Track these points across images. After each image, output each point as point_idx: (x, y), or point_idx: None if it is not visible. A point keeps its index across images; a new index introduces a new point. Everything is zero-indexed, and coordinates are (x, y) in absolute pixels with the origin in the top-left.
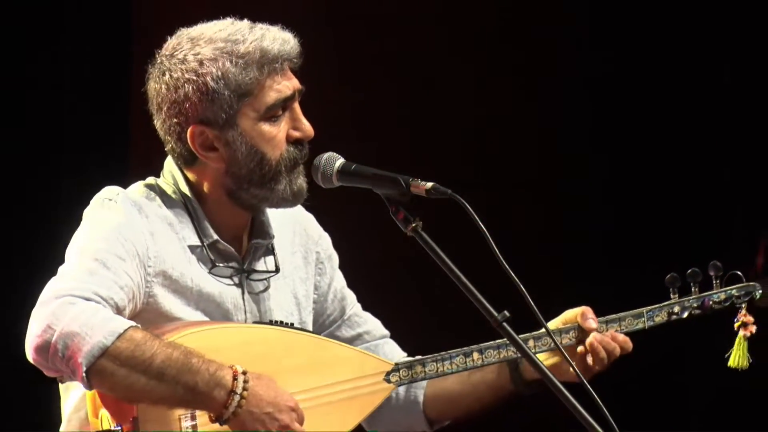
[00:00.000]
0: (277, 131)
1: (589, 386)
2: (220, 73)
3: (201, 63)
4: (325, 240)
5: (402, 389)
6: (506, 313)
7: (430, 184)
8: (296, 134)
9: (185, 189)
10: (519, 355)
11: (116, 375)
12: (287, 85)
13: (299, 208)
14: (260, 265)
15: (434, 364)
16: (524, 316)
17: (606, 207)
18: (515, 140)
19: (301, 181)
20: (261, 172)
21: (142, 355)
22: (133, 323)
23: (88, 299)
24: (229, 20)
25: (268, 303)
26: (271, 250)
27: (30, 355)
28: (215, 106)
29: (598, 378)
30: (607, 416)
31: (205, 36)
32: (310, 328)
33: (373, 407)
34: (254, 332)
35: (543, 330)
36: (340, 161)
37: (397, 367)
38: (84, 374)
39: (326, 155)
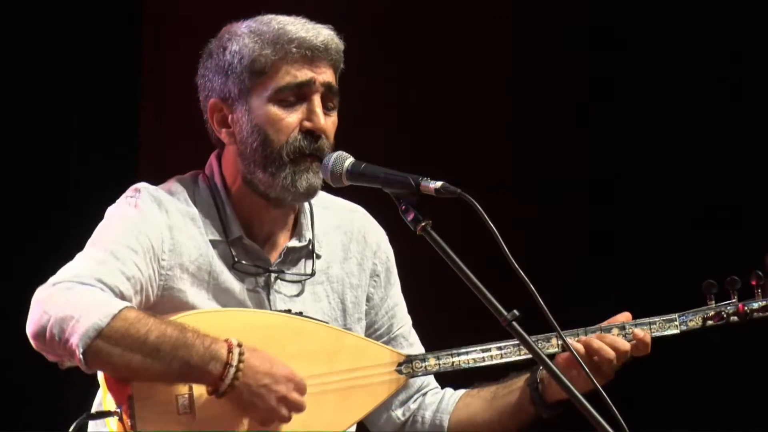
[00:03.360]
0: (286, 116)
1: (600, 388)
2: (237, 48)
3: (229, 39)
4: (384, 253)
5: (428, 414)
6: (516, 312)
7: (439, 184)
8: (307, 124)
9: (218, 182)
10: (540, 353)
11: (112, 355)
12: (307, 72)
13: (363, 215)
14: (297, 268)
15: (450, 357)
16: (534, 316)
17: (609, 208)
18: (524, 140)
19: (309, 176)
20: (263, 153)
21: (136, 333)
22: (127, 303)
23: (87, 285)
24: (299, 17)
25: (300, 306)
26: (312, 254)
27: (31, 340)
28: (229, 80)
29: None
30: (619, 419)
31: (249, 20)
32: (360, 335)
33: (384, 397)
34: (259, 316)
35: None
36: (349, 160)
37: (409, 359)
38: (81, 356)
39: (335, 154)
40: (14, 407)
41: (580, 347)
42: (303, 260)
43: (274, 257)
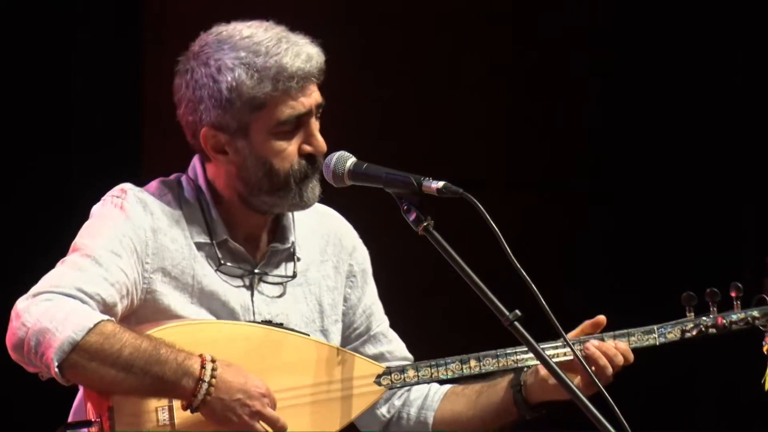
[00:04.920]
0: (288, 145)
1: (603, 389)
2: (234, 84)
3: (219, 70)
4: (360, 253)
5: (413, 411)
6: (518, 312)
7: (441, 184)
8: (308, 149)
9: (203, 185)
10: (518, 365)
11: (87, 369)
12: (303, 101)
13: (338, 219)
14: (279, 270)
15: (428, 369)
16: (536, 316)
17: (615, 209)
18: (528, 140)
19: (313, 185)
20: (270, 182)
21: (110, 347)
22: (105, 317)
23: (67, 295)
24: (263, 25)
25: (282, 308)
26: (293, 256)
27: (10, 352)
28: (228, 114)
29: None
30: (621, 420)
31: (232, 41)
32: (336, 338)
33: (363, 409)
34: (239, 329)
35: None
36: (351, 160)
37: (389, 370)
38: (56, 369)
39: (337, 154)
40: None
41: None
42: (284, 263)
43: (256, 259)
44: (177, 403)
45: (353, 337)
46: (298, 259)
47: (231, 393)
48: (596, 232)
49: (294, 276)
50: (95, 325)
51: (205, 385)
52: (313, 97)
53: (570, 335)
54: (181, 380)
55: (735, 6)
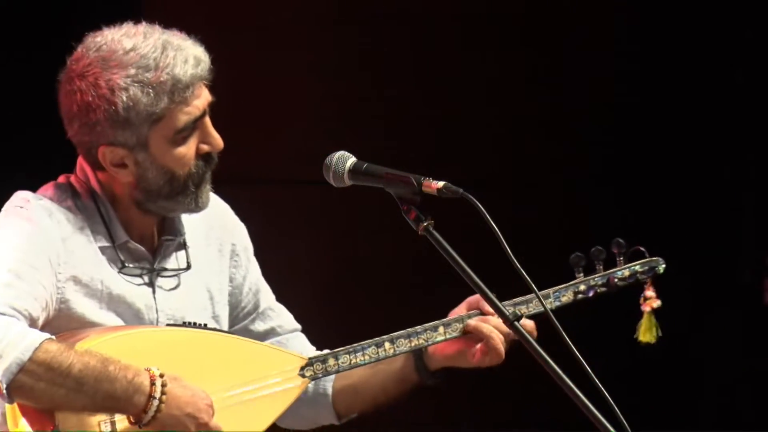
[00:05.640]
0: (187, 150)
1: (598, 383)
2: (131, 103)
3: (112, 90)
4: (240, 231)
5: (310, 384)
6: (518, 312)
7: (441, 183)
8: (205, 148)
9: (97, 189)
10: (429, 343)
11: (35, 389)
12: (197, 105)
13: (215, 199)
14: (172, 262)
15: (347, 356)
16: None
17: (616, 208)
18: (529, 140)
19: (207, 189)
20: (170, 188)
21: (59, 367)
22: (47, 335)
23: (2, 314)
24: (140, 31)
25: (180, 300)
26: (183, 246)
27: None
28: (126, 131)
29: (607, 377)
30: (617, 413)
31: (117, 57)
32: (225, 322)
33: (290, 402)
34: (167, 335)
35: (454, 317)
36: (351, 160)
37: (311, 362)
38: (4, 391)
39: (338, 154)
40: None
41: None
42: (175, 253)
43: (152, 255)
44: (119, 417)
45: (242, 316)
46: (188, 248)
47: (181, 408)
48: (597, 232)
49: (188, 267)
50: (40, 345)
51: (155, 402)
52: (204, 97)
53: (457, 309)
54: (132, 397)
55: (735, 6)
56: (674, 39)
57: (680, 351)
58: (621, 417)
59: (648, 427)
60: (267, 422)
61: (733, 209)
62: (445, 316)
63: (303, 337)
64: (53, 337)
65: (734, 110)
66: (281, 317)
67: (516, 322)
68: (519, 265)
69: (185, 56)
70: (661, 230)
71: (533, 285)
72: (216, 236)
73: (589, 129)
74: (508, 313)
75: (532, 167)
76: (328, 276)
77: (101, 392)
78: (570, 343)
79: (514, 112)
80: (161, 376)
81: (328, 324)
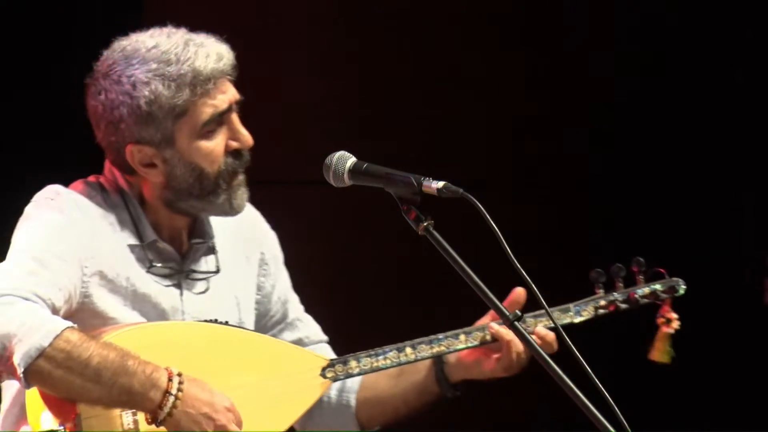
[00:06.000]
0: (214, 146)
1: (600, 385)
2: (153, 96)
3: (134, 86)
4: (270, 240)
5: (334, 393)
6: (518, 312)
7: (441, 183)
8: (234, 144)
9: (125, 187)
10: (449, 350)
11: (53, 376)
12: (222, 99)
13: (250, 209)
14: (201, 265)
15: (368, 359)
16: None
17: (616, 208)
18: (529, 140)
19: (242, 192)
20: (200, 186)
21: (78, 357)
22: (70, 324)
23: (26, 299)
24: (165, 32)
25: (207, 304)
26: (212, 250)
27: None
28: (150, 127)
29: (608, 377)
30: (617, 414)
31: (139, 55)
32: (250, 329)
33: (311, 403)
34: (188, 329)
35: (476, 326)
36: (351, 160)
37: (332, 363)
38: (21, 375)
39: (338, 154)
40: None
41: (504, 336)
42: (204, 257)
43: (181, 257)
44: (142, 414)
45: (270, 325)
46: (217, 252)
47: (197, 407)
48: (597, 232)
49: (217, 271)
50: (61, 332)
51: (171, 398)
52: (230, 93)
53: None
54: (149, 392)
55: (735, 6)
56: (674, 39)
57: (680, 351)
58: (621, 417)
59: (648, 427)
60: (287, 421)
61: (733, 209)
62: (445, 316)
63: (328, 349)
64: (75, 325)
65: (734, 110)
66: (308, 328)
67: (516, 322)
68: (519, 266)
69: (207, 51)
70: (660, 230)
71: (533, 285)
72: (244, 243)
73: (589, 129)
74: (508, 314)
75: (532, 167)
76: (328, 276)
77: (118, 385)
78: (570, 343)
79: (514, 112)
80: (179, 375)
81: (329, 324)
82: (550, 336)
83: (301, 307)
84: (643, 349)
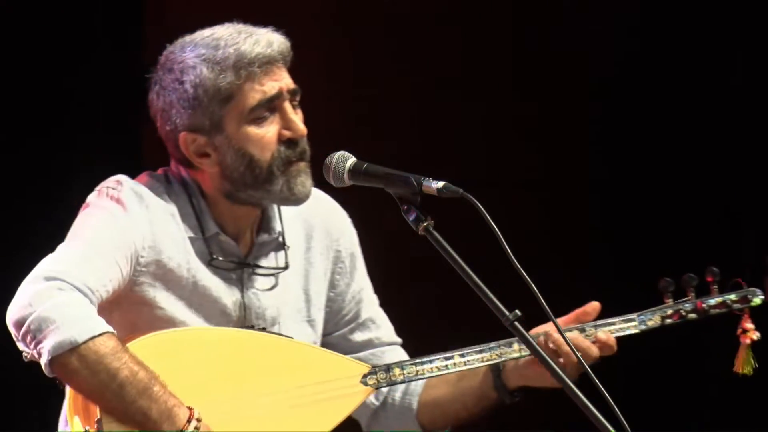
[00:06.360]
0: (264, 132)
1: (601, 387)
2: (198, 80)
3: (182, 71)
4: (348, 236)
5: (398, 396)
6: (518, 312)
7: (441, 184)
8: (287, 134)
9: (189, 182)
10: (501, 358)
11: (78, 374)
12: (272, 85)
13: (326, 202)
14: (269, 261)
15: (413, 367)
16: (536, 316)
17: (616, 208)
18: (529, 140)
19: (303, 179)
20: (253, 174)
21: (109, 364)
22: (110, 329)
23: (77, 289)
24: (227, 24)
25: (273, 300)
26: (282, 245)
27: (8, 325)
28: (198, 112)
29: (609, 378)
30: (618, 416)
31: (194, 42)
32: (320, 326)
33: (351, 410)
34: (223, 334)
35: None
36: (351, 160)
37: (374, 370)
38: (47, 362)
39: (337, 154)
40: None
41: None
42: (273, 253)
43: (245, 252)
44: None
45: (342, 324)
46: (288, 248)
47: None
48: (597, 232)
49: (286, 267)
50: (100, 334)
51: None
52: (282, 80)
53: (560, 321)
54: (163, 424)
55: (735, 6)
56: (674, 39)
57: (680, 351)
58: (621, 417)
59: (648, 427)
60: (327, 426)
61: (733, 209)
62: (444, 317)
63: (401, 351)
64: (114, 332)
65: (733, 111)
66: (381, 329)
67: (516, 322)
68: (519, 266)
69: (257, 38)
70: (660, 230)
71: (533, 285)
72: (319, 239)
73: (589, 129)
74: (507, 314)
75: (531, 167)
76: None
77: (137, 405)
78: (570, 343)
79: (514, 112)
80: (198, 420)
81: None
82: (612, 339)
83: (375, 308)
84: (644, 349)
